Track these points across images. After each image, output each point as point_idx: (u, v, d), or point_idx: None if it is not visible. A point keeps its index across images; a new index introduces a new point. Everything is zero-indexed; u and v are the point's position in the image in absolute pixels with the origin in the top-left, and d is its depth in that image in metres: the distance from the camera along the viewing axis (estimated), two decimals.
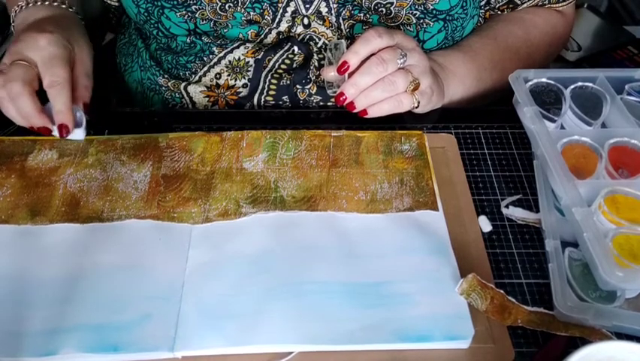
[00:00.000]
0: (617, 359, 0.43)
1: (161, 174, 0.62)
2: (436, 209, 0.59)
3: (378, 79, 0.61)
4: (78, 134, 0.65)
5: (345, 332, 0.49)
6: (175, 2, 0.70)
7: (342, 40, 0.66)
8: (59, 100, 0.62)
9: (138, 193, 0.60)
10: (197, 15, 0.71)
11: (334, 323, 0.49)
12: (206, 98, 0.75)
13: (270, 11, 0.71)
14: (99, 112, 0.71)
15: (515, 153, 0.66)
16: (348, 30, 0.72)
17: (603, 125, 0.64)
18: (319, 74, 0.73)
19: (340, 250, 0.55)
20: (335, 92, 0.64)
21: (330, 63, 0.65)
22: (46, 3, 0.70)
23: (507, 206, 0.60)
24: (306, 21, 0.72)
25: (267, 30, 0.72)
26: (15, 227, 0.57)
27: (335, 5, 0.70)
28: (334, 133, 0.66)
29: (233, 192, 0.60)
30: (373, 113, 0.63)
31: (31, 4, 0.69)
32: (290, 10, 0.71)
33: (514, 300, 0.51)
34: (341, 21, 0.71)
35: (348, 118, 0.68)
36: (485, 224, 0.58)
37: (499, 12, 0.80)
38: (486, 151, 0.66)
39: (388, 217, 0.58)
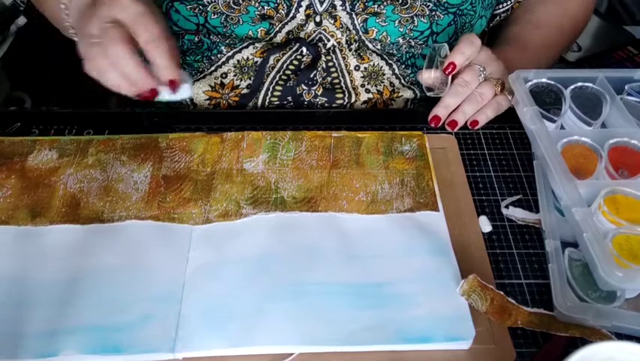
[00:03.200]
0: (617, 360, 0.43)
1: (162, 175, 0.62)
2: (436, 210, 0.59)
3: (467, 96, 0.67)
4: (186, 91, 0.62)
5: (345, 332, 0.49)
6: None
7: (445, 44, 0.69)
8: (162, 55, 0.59)
9: (138, 194, 0.60)
10: (208, 9, 0.70)
11: (335, 324, 0.49)
12: (207, 101, 0.75)
13: (284, 5, 0.71)
14: (100, 112, 0.71)
15: (515, 153, 0.66)
16: (361, 25, 0.72)
17: (603, 126, 0.64)
18: (326, 76, 0.73)
19: (341, 250, 0.55)
20: (436, 93, 0.69)
21: (429, 66, 0.69)
22: None
23: (507, 206, 0.60)
24: (318, 19, 0.72)
25: (277, 27, 0.72)
26: (15, 228, 0.57)
27: None
28: (335, 134, 0.66)
29: (234, 193, 0.60)
30: (482, 120, 0.67)
31: None
32: (304, 4, 0.71)
33: (514, 301, 0.51)
34: (354, 16, 0.71)
35: (348, 119, 0.69)
36: (485, 224, 0.58)
37: None
38: (486, 151, 0.66)
39: (389, 218, 0.58)
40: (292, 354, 0.48)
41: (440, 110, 0.67)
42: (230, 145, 0.65)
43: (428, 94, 0.71)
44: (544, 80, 0.66)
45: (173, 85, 0.60)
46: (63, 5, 0.65)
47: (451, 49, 0.67)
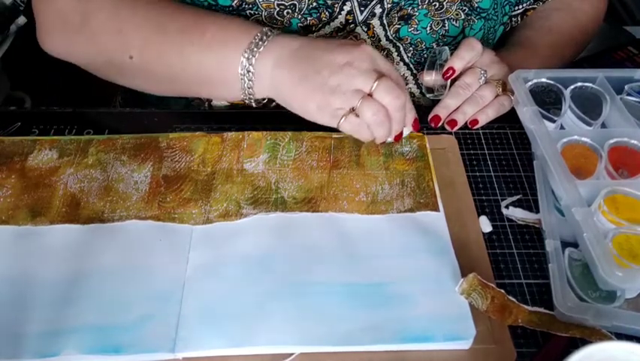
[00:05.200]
0: (617, 360, 0.43)
1: (162, 175, 0.62)
2: (436, 210, 0.59)
3: (467, 98, 0.67)
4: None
5: (346, 332, 0.49)
6: (230, 8, 0.69)
7: (446, 47, 0.69)
8: (409, 98, 0.62)
9: (139, 194, 0.60)
10: (250, 20, 0.69)
11: (335, 324, 0.49)
12: (228, 107, 0.74)
13: (326, 14, 0.70)
14: (100, 112, 0.71)
15: (515, 153, 0.66)
16: (394, 35, 0.72)
17: (603, 126, 0.64)
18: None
19: (341, 250, 0.55)
20: (436, 95, 0.70)
21: (430, 69, 0.70)
22: (277, 31, 0.63)
23: (507, 206, 0.60)
24: (351, 26, 0.72)
25: (313, 35, 0.71)
26: (15, 228, 0.57)
27: (389, 5, 0.70)
28: (335, 135, 0.66)
29: (234, 193, 0.60)
30: (482, 120, 0.68)
31: (270, 37, 0.62)
32: (345, 9, 0.70)
33: (514, 300, 0.51)
34: (387, 27, 0.71)
35: None
36: (485, 224, 0.58)
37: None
38: (486, 151, 0.66)
39: (389, 218, 0.58)
40: (292, 354, 0.48)
41: (440, 110, 0.67)
42: (230, 145, 0.65)
43: (428, 95, 0.71)
44: (544, 80, 0.66)
45: (416, 123, 0.63)
46: (244, 74, 0.62)
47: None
